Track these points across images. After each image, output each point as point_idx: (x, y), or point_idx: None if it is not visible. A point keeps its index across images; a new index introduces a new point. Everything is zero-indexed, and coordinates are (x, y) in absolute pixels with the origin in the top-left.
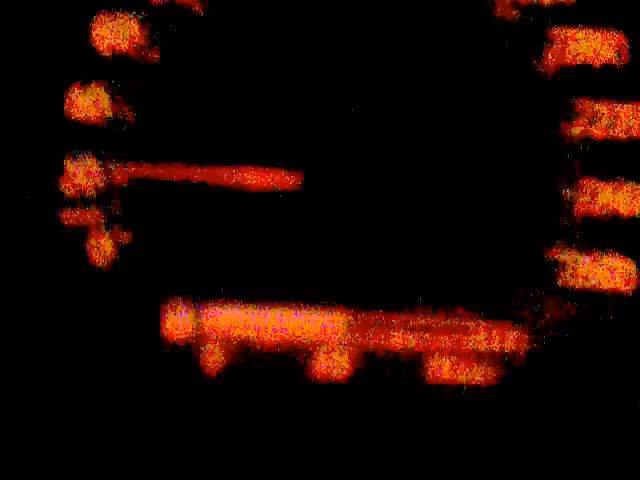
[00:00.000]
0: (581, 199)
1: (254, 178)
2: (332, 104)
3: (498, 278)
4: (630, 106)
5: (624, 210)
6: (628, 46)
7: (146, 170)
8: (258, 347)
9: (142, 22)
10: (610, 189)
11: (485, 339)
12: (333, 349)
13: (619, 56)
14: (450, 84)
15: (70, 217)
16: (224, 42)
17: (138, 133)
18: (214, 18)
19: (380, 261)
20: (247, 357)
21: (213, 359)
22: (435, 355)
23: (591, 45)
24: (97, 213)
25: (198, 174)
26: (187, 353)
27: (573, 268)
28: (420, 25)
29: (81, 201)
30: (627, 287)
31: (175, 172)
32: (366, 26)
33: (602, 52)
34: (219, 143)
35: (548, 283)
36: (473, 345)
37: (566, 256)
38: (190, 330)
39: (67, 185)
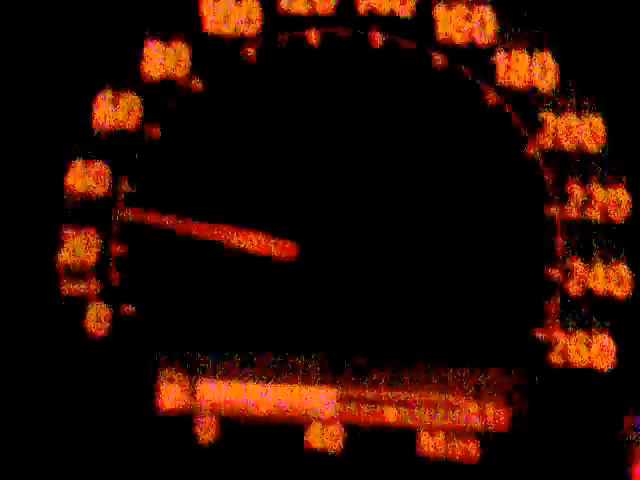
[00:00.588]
0: (568, 279)
1: (253, 243)
2: (328, 181)
3: (486, 357)
4: (612, 190)
5: (606, 290)
6: (605, 132)
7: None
8: (251, 420)
9: (142, 99)
10: (595, 269)
11: (474, 416)
12: (326, 423)
13: (597, 141)
14: (441, 166)
15: (69, 288)
16: (222, 117)
17: (138, 205)
18: (212, 95)
19: (373, 338)
20: (240, 429)
21: (206, 430)
22: (426, 430)
23: (574, 131)
24: (95, 284)
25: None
26: (181, 423)
27: (559, 347)
28: (412, 110)
29: (80, 272)
30: (607, 365)
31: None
32: (359, 108)
33: (584, 137)
34: (218, 214)
35: (535, 362)
36: (462, 422)
37: (553, 335)
38: (184, 401)
39: (66, 257)
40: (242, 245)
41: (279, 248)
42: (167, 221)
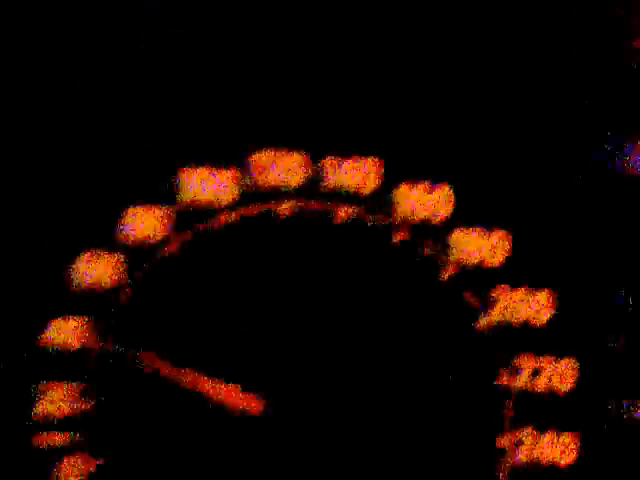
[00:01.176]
0: (517, 448)
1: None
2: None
3: None
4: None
5: (552, 458)
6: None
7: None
8: None
9: (118, 261)
10: (543, 438)
11: None
12: None
13: (545, 315)
14: (397, 335)
15: (42, 440)
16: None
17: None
18: (186, 259)
19: None
20: None
21: None
22: None
23: (523, 306)
24: (69, 437)
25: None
26: None
27: None
28: (372, 278)
29: (54, 427)
30: None
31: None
32: (326, 275)
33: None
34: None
35: None
36: None
37: None
38: None
39: (40, 411)
40: (214, 395)
41: (247, 401)
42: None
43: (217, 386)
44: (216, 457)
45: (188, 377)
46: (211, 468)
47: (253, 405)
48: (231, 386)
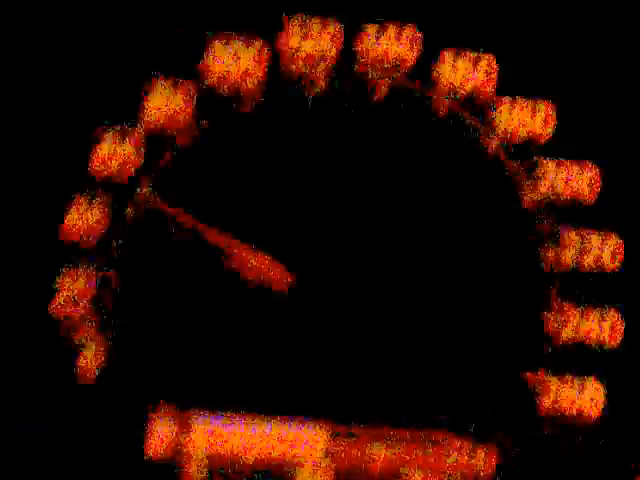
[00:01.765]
0: (559, 326)
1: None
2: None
3: (476, 399)
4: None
5: (597, 337)
6: (600, 179)
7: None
8: (240, 462)
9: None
10: (589, 317)
11: (464, 457)
12: (316, 464)
13: (592, 189)
14: (439, 213)
15: (63, 327)
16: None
17: (130, 251)
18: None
19: (362, 379)
20: (229, 473)
21: (195, 475)
22: (415, 470)
23: (568, 176)
24: (89, 324)
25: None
26: (170, 468)
27: (551, 393)
28: (414, 155)
29: (75, 311)
30: (596, 413)
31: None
32: (361, 150)
33: (578, 183)
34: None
35: (525, 407)
36: (452, 462)
37: (545, 381)
38: (174, 445)
39: (60, 300)
40: (246, 261)
41: (278, 273)
42: (185, 218)
43: (250, 250)
44: (230, 353)
45: (221, 237)
46: (226, 364)
47: (283, 276)
48: (263, 254)
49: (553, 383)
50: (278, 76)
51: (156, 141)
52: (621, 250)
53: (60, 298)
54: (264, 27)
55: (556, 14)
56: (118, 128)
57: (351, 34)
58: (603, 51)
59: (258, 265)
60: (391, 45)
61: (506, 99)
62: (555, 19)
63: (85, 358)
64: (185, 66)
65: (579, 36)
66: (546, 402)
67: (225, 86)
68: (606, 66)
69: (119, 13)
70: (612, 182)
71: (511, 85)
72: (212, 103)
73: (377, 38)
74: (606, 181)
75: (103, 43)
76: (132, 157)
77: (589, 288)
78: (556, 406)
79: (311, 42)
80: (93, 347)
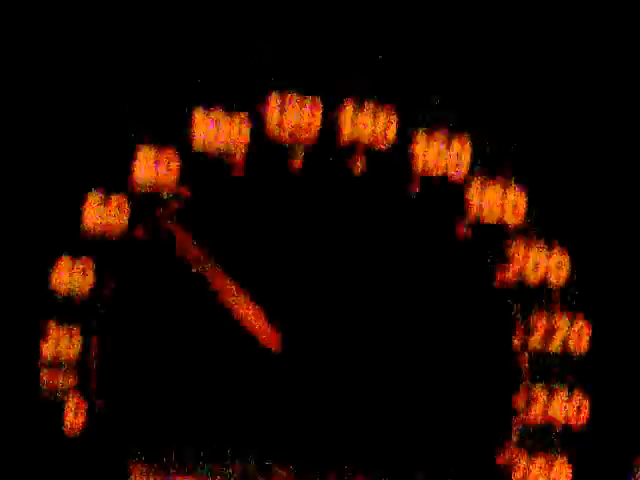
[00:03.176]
0: (528, 405)
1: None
2: None
3: (449, 472)
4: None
5: (564, 416)
6: (569, 264)
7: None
8: None
9: (128, 203)
10: (556, 397)
11: None
12: None
13: (562, 275)
14: (412, 292)
15: (49, 381)
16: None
17: (118, 307)
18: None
19: (338, 441)
20: None
21: None
22: None
23: (541, 262)
24: (73, 379)
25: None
26: None
27: (521, 471)
28: (387, 233)
29: (60, 366)
30: None
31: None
32: (338, 224)
33: (550, 269)
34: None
35: None
36: None
37: (515, 460)
38: None
39: (48, 351)
40: (243, 312)
41: (268, 332)
42: (198, 252)
43: (248, 301)
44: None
45: (215, 271)
46: (208, 416)
47: (274, 338)
48: (262, 312)
49: (523, 461)
50: (262, 146)
51: (144, 204)
52: (587, 332)
53: (44, 359)
54: (249, 99)
55: (526, 98)
56: (106, 193)
57: (330, 110)
58: (575, 135)
59: (252, 318)
60: (368, 122)
61: (477, 181)
62: (525, 104)
63: (68, 414)
64: (173, 135)
65: (550, 120)
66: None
67: (210, 153)
68: (578, 151)
69: (112, 82)
70: (581, 266)
71: (483, 166)
72: (198, 169)
73: (355, 115)
74: (575, 265)
75: (93, 112)
76: (120, 220)
77: (557, 368)
78: None
79: (291, 116)
80: (74, 405)
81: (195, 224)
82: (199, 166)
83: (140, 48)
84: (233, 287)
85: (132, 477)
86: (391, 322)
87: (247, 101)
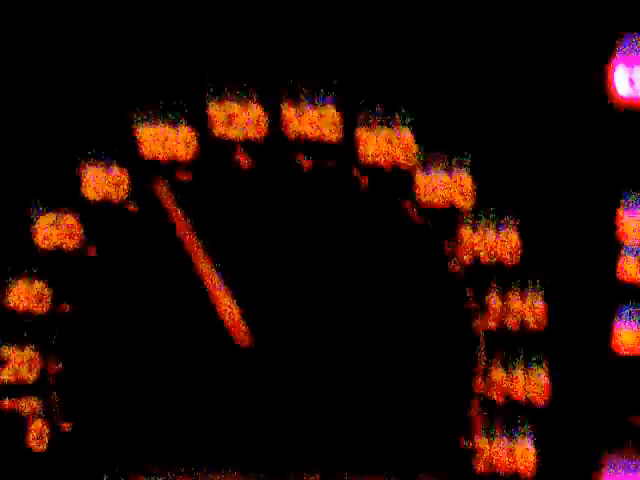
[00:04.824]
0: (487, 386)
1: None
2: None
3: (415, 464)
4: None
5: (525, 395)
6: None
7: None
8: None
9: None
10: (515, 377)
11: None
12: None
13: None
14: (368, 280)
15: (9, 404)
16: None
17: (77, 326)
18: (146, 216)
19: (308, 438)
20: None
21: None
22: None
23: (492, 242)
24: (35, 401)
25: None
26: None
27: (484, 454)
28: (339, 225)
29: (20, 389)
30: (531, 470)
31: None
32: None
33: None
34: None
35: (461, 469)
36: None
37: (477, 443)
38: None
39: (6, 373)
40: (217, 298)
41: (241, 329)
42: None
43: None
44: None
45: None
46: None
47: (245, 335)
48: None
49: (485, 444)
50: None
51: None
52: (544, 309)
53: (4, 375)
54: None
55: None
56: (57, 211)
57: (274, 113)
58: (519, 111)
59: (227, 310)
60: (311, 124)
61: (421, 171)
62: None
63: (33, 431)
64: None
65: (492, 97)
66: (480, 463)
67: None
68: (524, 126)
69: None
70: (534, 243)
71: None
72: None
73: (297, 117)
74: (528, 242)
75: (38, 119)
76: (74, 230)
77: (515, 348)
78: (490, 467)
79: (235, 123)
80: (43, 420)
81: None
82: (148, 173)
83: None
84: (213, 272)
85: None
86: (353, 311)
87: (190, 103)
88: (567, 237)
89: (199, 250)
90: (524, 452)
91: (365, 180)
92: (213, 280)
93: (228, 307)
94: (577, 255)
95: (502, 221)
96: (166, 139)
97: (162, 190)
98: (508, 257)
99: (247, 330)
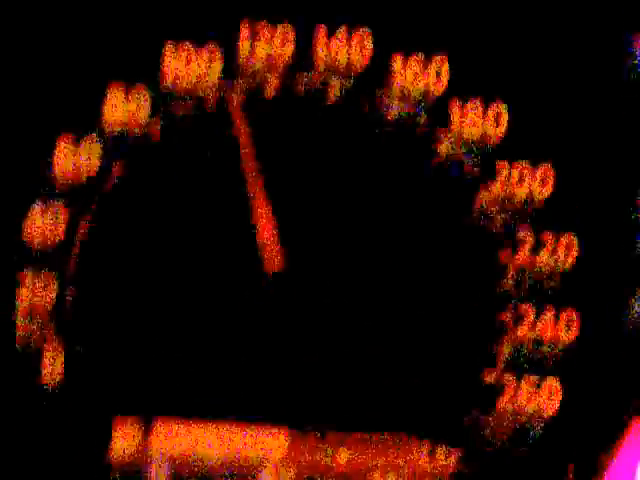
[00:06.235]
0: (515, 324)
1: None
2: None
3: (438, 399)
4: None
5: (556, 336)
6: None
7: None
8: (203, 466)
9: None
10: (545, 314)
11: (426, 458)
12: (278, 466)
13: (547, 189)
14: (394, 214)
15: (24, 332)
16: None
17: (94, 252)
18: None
19: (324, 384)
20: (192, 476)
21: (160, 478)
22: (378, 472)
23: (525, 178)
24: (50, 329)
25: None
26: (134, 472)
27: (509, 391)
28: (369, 157)
29: (35, 317)
30: (556, 408)
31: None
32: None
33: (534, 185)
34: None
35: (486, 405)
36: (414, 463)
37: (503, 378)
38: (137, 449)
39: (23, 299)
40: (259, 217)
41: (275, 250)
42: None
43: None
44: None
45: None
46: (191, 366)
47: (276, 254)
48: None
49: (511, 382)
50: (235, 77)
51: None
52: (575, 248)
53: (19, 307)
54: (217, 31)
55: (507, 15)
56: (76, 134)
57: (303, 37)
58: (555, 53)
59: (267, 229)
60: (341, 47)
61: (457, 100)
62: (508, 21)
63: (48, 359)
64: (141, 72)
65: (532, 37)
66: (504, 401)
67: (181, 89)
68: (559, 68)
69: (74, 24)
70: (566, 182)
71: (463, 86)
72: (169, 105)
73: (328, 40)
74: (560, 181)
75: (58, 51)
76: (91, 162)
77: (545, 286)
78: (515, 403)
79: (263, 45)
80: (52, 355)
81: (169, 162)
82: (171, 102)
83: None
84: (262, 188)
85: (116, 429)
86: (379, 251)
87: (217, 33)
88: (599, 177)
89: (255, 167)
90: (550, 391)
91: (395, 108)
92: (261, 199)
93: (268, 228)
94: (607, 203)
95: (535, 157)
96: (191, 67)
97: (235, 105)
98: (540, 194)
99: (280, 254)
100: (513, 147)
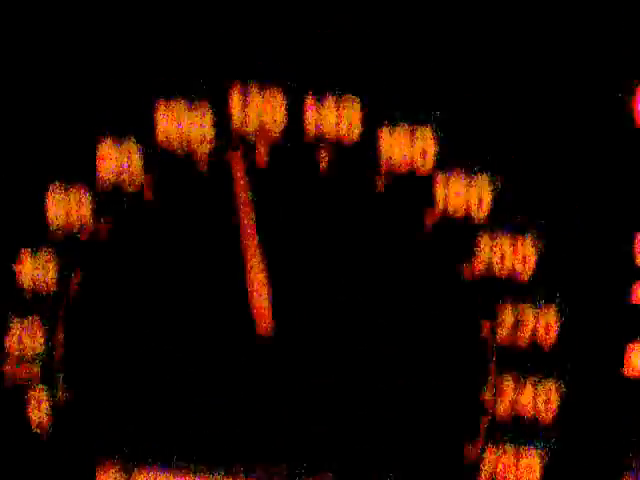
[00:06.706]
0: (496, 399)
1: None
2: None
3: (416, 468)
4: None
5: (532, 410)
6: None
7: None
8: None
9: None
10: (524, 391)
11: None
12: None
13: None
14: (380, 286)
15: (12, 374)
16: (167, 226)
17: (84, 300)
18: (162, 204)
19: (302, 445)
20: None
21: None
22: None
23: (507, 254)
24: (37, 372)
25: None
26: None
27: (489, 465)
28: (355, 228)
29: (23, 359)
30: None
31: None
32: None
33: (517, 261)
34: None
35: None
36: None
37: (483, 454)
38: None
39: (11, 344)
40: (253, 282)
41: (267, 314)
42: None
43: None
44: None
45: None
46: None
47: (267, 324)
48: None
49: (492, 456)
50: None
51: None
52: (556, 323)
53: (8, 353)
54: (212, 93)
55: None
56: (70, 185)
57: (295, 104)
58: (541, 125)
59: (260, 292)
60: (330, 116)
61: (442, 174)
62: (494, 91)
63: (35, 402)
64: (134, 128)
65: (514, 111)
66: (485, 474)
67: (174, 146)
68: (544, 141)
69: (73, 74)
70: (549, 258)
71: (449, 159)
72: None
73: (317, 109)
74: (543, 256)
75: (52, 104)
76: (84, 212)
77: (525, 362)
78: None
79: (254, 110)
80: (40, 402)
81: (161, 220)
82: (163, 161)
83: (101, 39)
84: (258, 250)
85: (99, 475)
86: (361, 316)
87: (210, 93)
88: (583, 256)
89: (252, 231)
90: (530, 464)
91: (383, 184)
92: (256, 262)
93: (261, 292)
94: (592, 275)
95: (517, 234)
96: (183, 125)
97: (237, 163)
98: (522, 270)
99: (271, 319)
100: (496, 224)
